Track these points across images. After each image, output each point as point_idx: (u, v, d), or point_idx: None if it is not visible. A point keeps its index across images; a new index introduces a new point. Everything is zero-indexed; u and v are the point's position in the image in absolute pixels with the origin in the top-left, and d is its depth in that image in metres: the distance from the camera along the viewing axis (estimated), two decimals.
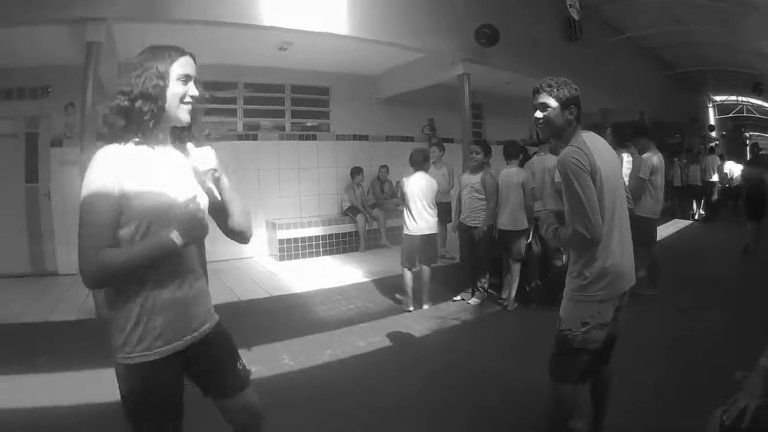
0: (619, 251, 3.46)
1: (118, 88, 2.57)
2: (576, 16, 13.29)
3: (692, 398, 4.45)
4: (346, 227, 13.01)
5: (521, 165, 8.32)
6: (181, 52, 2.62)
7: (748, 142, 43.34)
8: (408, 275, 8.06)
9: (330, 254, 12.59)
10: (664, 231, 8.74)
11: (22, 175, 11.06)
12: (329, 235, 12.71)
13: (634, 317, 7.12)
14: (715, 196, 19.52)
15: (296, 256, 12.12)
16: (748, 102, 31.06)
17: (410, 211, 7.98)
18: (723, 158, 21.04)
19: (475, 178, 8.22)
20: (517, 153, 8.34)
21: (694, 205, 19.18)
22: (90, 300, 7.97)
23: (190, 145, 2.66)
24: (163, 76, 2.51)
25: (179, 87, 2.56)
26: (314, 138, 13.83)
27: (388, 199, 13.05)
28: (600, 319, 3.44)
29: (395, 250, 8.90)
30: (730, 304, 8.11)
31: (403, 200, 8.10)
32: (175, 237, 2.38)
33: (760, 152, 16.57)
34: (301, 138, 13.65)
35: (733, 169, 20.02)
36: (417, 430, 4.57)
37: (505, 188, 8.10)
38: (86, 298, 8.27)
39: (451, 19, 11.11)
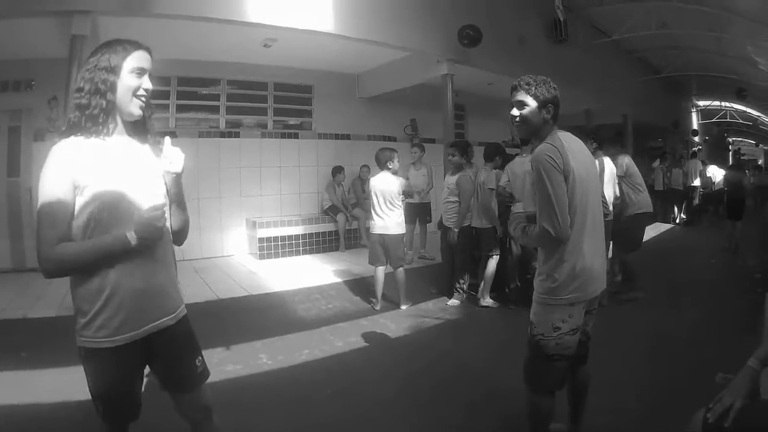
0: (590, 254, 3.46)
1: (76, 85, 2.64)
2: (561, 17, 13.35)
3: (672, 400, 4.51)
4: (327, 226, 13.01)
5: (502, 167, 8.36)
6: (137, 46, 2.66)
7: (730, 147, 43.72)
8: (377, 274, 8.18)
9: (310, 253, 12.59)
10: (645, 234, 8.77)
11: (3, 170, 10.98)
12: (309, 234, 12.70)
13: (615, 320, 7.24)
14: (696, 201, 19.63)
15: (276, 255, 12.11)
16: (732, 107, 31.31)
17: (373, 210, 8.14)
18: (705, 163, 21.17)
19: (453, 180, 8.34)
20: (492, 155, 8.43)
21: (676, 209, 19.32)
22: (69, 297, 7.86)
23: (167, 141, 2.74)
24: (115, 70, 2.56)
25: (132, 80, 2.60)
26: (296, 136, 13.83)
27: (368, 198, 13.08)
28: (572, 324, 3.46)
29: None
30: (710, 306, 8.18)
31: (369, 199, 8.18)
32: (131, 237, 2.45)
33: (743, 157, 16.81)
34: (283, 136, 13.64)
35: (716, 173, 20.15)
36: (396, 430, 4.60)
37: (479, 188, 8.24)
38: (66, 295, 8.23)
39: (435, 18, 11.19)
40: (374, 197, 8.06)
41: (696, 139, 31.40)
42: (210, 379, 5.14)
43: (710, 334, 6.74)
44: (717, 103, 30.99)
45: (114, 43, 2.64)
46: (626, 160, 8.64)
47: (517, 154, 8.84)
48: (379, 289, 8.17)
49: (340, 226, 12.90)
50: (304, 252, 12.55)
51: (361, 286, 9.38)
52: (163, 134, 2.91)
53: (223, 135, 12.81)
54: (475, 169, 9.29)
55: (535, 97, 3.50)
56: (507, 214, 7.82)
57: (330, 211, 13.04)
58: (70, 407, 4.59)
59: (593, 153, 8.21)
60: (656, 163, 19.60)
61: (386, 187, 7.98)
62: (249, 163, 13.03)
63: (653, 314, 7.70)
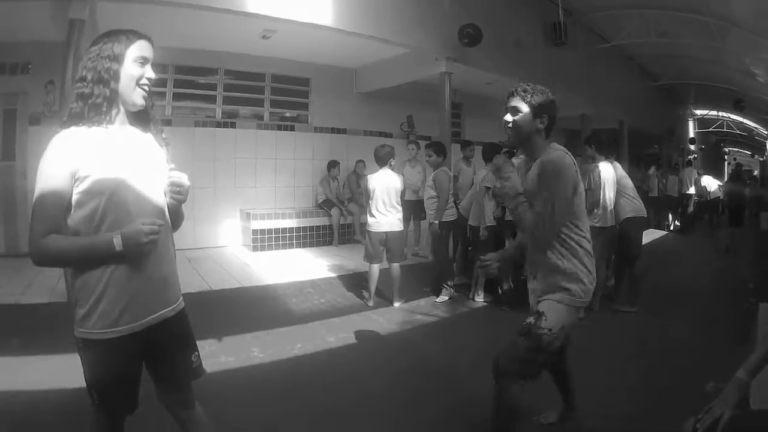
0: (590, 260, 3.56)
1: (78, 74, 2.63)
2: (562, 20, 13.39)
3: (663, 408, 4.53)
4: (321, 220, 13.02)
5: None
6: (139, 36, 2.66)
7: (726, 157, 43.82)
8: (373, 271, 8.14)
9: (303, 247, 12.59)
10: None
11: None
12: (303, 227, 12.70)
13: (606, 326, 7.27)
14: (691, 208, 19.70)
15: (270, 247, 12.12)
16: (729, 118, 31.41)
17: (374, 208, 8.04)
18: (700, 173, 21.24)
19: (431, 176, 8.47)
20: (491, 155, 8.37)
21: (670, 216, 19.40)
22: (61, 283, 7.92)
23: (172, 169, 2.75)
24: (118, 59, 2.56)
25: (136, 69, 2.60)
26: (292, 129, 13.81)
27: (363, 194, 13.05)
28: (568, 326, 3.56)
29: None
30: (703, 315, 8.22)
31: (367, 197, 8.18)
32: (117, 243, 2.42)
33: (743, 169, 17.20)
34: (279, 128, 13.62)
35: (710, 183, 20.23)
36: (384, 426, 4.60)
37: (476, 187, 8.32)
38: (58, 281, 8.23)
39: (435, 16, 11.21)
40: (376, 195, 7.98)
41: (692, 147, 31.49)
42: None
43: (702, 342, 6.75)
44: (714, 112, 31.08)
45: (116, 32, 2.64)
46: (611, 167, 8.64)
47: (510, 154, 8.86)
48: (373, 286, 8.16)
49: (334, 220, 12.89)
50: (298, 245, 12.54)
51: (354, 281, 9.37)
52: (163, 123, 2.90)
53: (219, 125, 12.80)
54: (473, 167, 9.32)
55: (530, 105, 3.49)
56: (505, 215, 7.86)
57: (324, 205, 13.03)
58: (63, 394, 4.58)
59: (592, 158, 8.28)
60: (652, 170, 19.67)
61: (391, 184, 7.99)
62: (244, 154, 13.03)
63: (645, 321, 7.71)
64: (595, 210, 7.80)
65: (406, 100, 14.74)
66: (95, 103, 2.53)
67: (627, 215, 8.21)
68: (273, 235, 12.18)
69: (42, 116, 10.66)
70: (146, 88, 2.66)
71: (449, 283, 8.57)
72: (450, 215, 8.70)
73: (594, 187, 7.80)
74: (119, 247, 2.41)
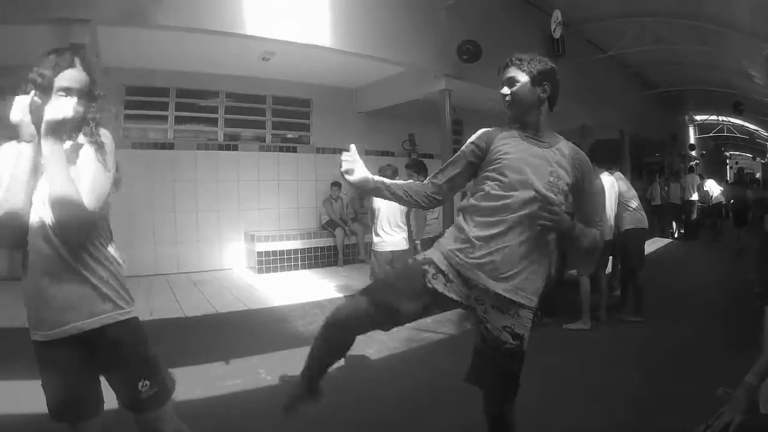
0: None
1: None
2: (557, 35, 13.36)
3: (673, 415, 4.52)
4: (325, 241, 13.04)
5: None
6: (69, 63, 2.75)
7: (728, 161, 43.81)
8: None
9: (308, 268, 12.59)
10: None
11: None
12: (308, 248, 12.72)
13: (614, 334, 7.24)
14: (694, 215, 19.68)
15: (275, 269, 12.13)
16: (729, 121, 31.40)
17: (379, 228, 8.00)
18: (702, 177, 21.23)
19: None
20: None
21: (674, 223, 19.39)
22: None
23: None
24: (45, 90, 2.68)
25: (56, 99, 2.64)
26: (294, 150, 13.87)
27: (367, 213, 13.00)
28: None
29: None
30: (710, 320, 8.26)
31: (372, 216, 8.13)
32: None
33: (746, 172, 17.41)
34: (281, 150, 13.68)
35: (713, 188, 20.21)
36: None
37: None
38: None
39: (434, 33, 11.19)
40: (381, 214, 7.94)
41: (693, 153, 31.45)
42: (209, 394, 5.16)
43: (710, 348, 6.76)
44: (714, 117, 31.05)
45: (51, 56, 2.74)
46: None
47: None
48: None
49: (338, 241, 12.88)
50: (303, 266, 12.53)
51: None
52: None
53: (221, 148, 12.86)
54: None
55: (529, 73, 3.18)
56: None
57: (328, 226, 13.04)
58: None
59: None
60: (656, 179, 19.70)
61: (394, 203, 7.93)
62: (247, 176, 13.06)
63: (652, 328, 7.73)
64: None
65: (407, 119, 14.77)
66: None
67: (627, 227, 8.22)
68: (278, 257, 12.18)
69: None
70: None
71: None
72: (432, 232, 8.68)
73: None
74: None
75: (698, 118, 31.93)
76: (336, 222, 13.03)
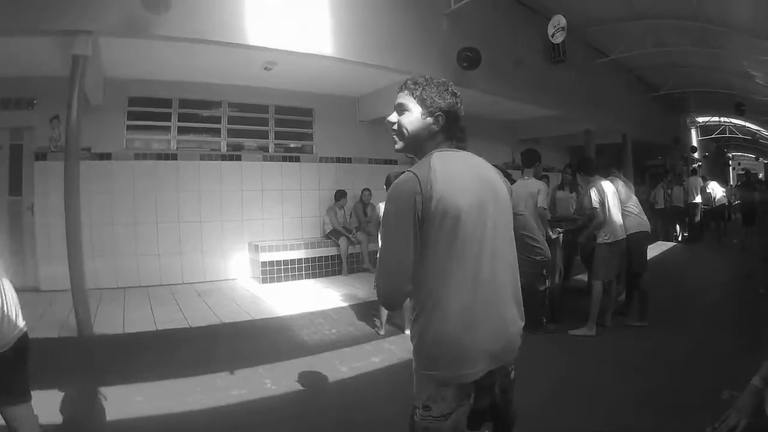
0: (468, 318, 2.54)
1: None
2: (558, 41, 13.30)
3: (678, 418, 4.51)
4: (329, 250, 13.03)
5: None
6: None
7: (730, 162, 43.83)
8: None
9: (313, 277, 12.57)
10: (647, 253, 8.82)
11: (5, 188, 11.06)
12: (312, 258, 12.70)
13: (618, 338, 7.22)
14: (698, 218, 19.64)
15: (279, 279, 12.13)
16: (731, 122, 31.40)
17: None
18: (705, 179, 21.20)
19: None
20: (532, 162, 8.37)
21: (678, 227, 19.35)
22: (72, 318, 7.94)
23: None
24: None
25: None
26: (297, 160, 13.82)
27: (371, 222, 13.00)
28: (441, 409, 2.60)
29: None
30: (715, 323, 8.25)
31: (378, 225, 8.04)
32: None
33: (752, 173, 17.80)
34: (284, 159, 13.65)
35: (716, 190, 20.19)
36: None
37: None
38: (68, 316, 8.26)
39: (434, 41, 11.22)
40: None
41: (696, 155, 31.44)
42: (215, 404, 5.16)
43: (716, 350, 6.75)
44: (716, 118, 31.07)
45: None
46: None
47: (519, 178, 8.78)
48: (385, 314, 8.11)
49: (342, 250, 12.85)
50: (307, 276, 12.50)
51: (364, 310, 9.33)
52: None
53: (224, 158, 12.84)
54: None
55: (421, 101, 2.75)
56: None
57: (332, 235, 13.01)
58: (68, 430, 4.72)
59: (570, 183, 8.28)
60: (660, 183, 19.69)
61: None
62: (251, 186, 13.04)
63: (658, 332, 7.73)
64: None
65: None
66: None
67: (629, 231, 8.20)
68: (282, 267, 12.15)
69: (48, 151, 10.78)
70: None
71: None
72: None
73: (595, 206, 7.78)
74: None
75: (700, 120, 31.93)
76: (340, 231, 13.04)
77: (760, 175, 36.75)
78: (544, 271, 7.76)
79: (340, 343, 7.76)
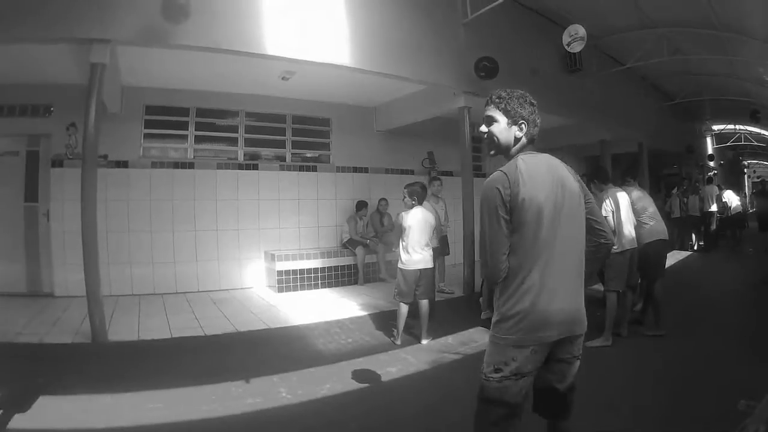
0: (550, 292, 3.06)
1: None
2: (576, 50, 13.17)
3: (695, 428, 4.44)
4: (346, 260, 12.97)
5: None
6: None
7: (746, 170, 43.56)
8: (402, 309, 8.00)
9: (329, 287, 12.52)
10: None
11: (21, 194, 11.21)
12: (328, 267, 12.66)
13: (635, 348, 7.15)
14: (713, 226, 19.49)
15: (295, 288, 12.10)
16: (746, 130, 31.23)
17: (409, 246, 7.89)
18: (721, 188, 21.06)
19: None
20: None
21: (693, 236, 19.23)
22: (86, 324, 7.97)
23: None
24: None
25: None
26: (314, 169, 13.81)
27: (388, 232, 12.91)
28: (514, 368, 3.07)
29: (393, 284, 8.79)
30: (731, 333, 8.20)
31: (399, 234, 8.07)
32: None
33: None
34: (301, 169, 13.65)
35: (732, 198, 20.05)
36: None
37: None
38: (83, 322, 8.29)
39: (451, 51, 11.22)
40: (412, 233, 7.88)
41: (711, 164, 31.25)
42: (230, 413, 5.14)
43: (732, 360, 6.68)
44: (731, 126, 30.89)
45: None
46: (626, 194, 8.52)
47: None
48: (402, 324, 8.04)
49: (359, 259, 12.78)
50: (323, 285, 12.44)
51: (381, 320, 9.27)
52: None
53: (241, 167, 12.88)
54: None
55: (506, 113, 3.28)
56: None
57: (349, 245, 12.95)
58: None
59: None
60: (674, 190, 19.57)
61: (427, 221, 8.00)
62: (267, 195, 13.06)
63: (674, 342, 7.68)
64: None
65: (426, 136, 14.78)
66: None
67: (646, 240, 8.14)
68: (298, 276, 12.11)
69: (64, 158, 10.94)
70: None
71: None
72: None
73: (605, 215, 7.69)
74: None
75: (715, 127, 31.72)
76: (357, 240, 13.04)
77: None
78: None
79: (356, 352, 7.68)
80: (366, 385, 6.40)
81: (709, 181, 21.51)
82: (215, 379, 6.30)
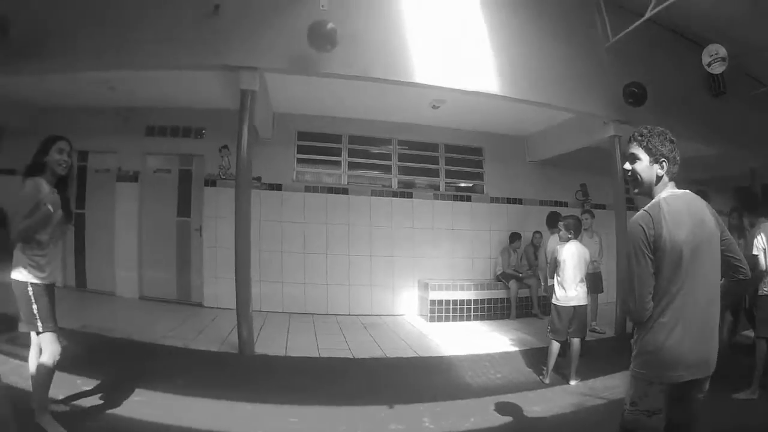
0: (679, 331, 3.12)
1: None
2: (717, 71, 12.33)
3: None
4: (498, 293, 12.68)
5: None
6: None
7: None
8: (554, 347, 7.74)
9: (480, 319, 12.30)
10: None
11: (174, 209, 12.15)
12: (481, 299, 12.46)
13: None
14: None
15: (446, 318, 12.02)
16: None
17: (565, 281, 7.64)
18: None
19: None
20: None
21: None
22: (234, 335, 8.36)
23: None
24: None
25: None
26: (468, 199, 13.76)
27: (538, 266, 12.63)
28: (647, 404, 3.19)
29: (546, 321, 8.53)
30: None
31: (554, 269, 7.85)
32: None
33: None
34: (455, 198, 13.62)
35: None
36: None
37: None
38: (230, 333, 8.59)
39: (598, 77, 10.90)
40: (567, 268, 7.61)
41: None
42: None
43: None
44: None
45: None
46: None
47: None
48: (552, 362, 7.76)
49: (512, 293, 12.52)
50: (475, 318, 12.32)
51: (530, 356, 8.96)
52: None
53: (395, 194, 13.05)
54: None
55: (647, 151, 3.36)
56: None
57: (502, 278, 12.75)
58: None
59: (737, 228, 7.61)
60: None
61: (582, 256, 7.73)
62: (422, 223, 13.14)
63: None
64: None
65: (578, 167, 14.33)
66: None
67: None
68: (450, 306, 12.07)
69: (217, 178, 11.74)
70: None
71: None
72: None
73: (755, 252, 7.06)
74: None
75: None
76: (511, 274, 12.80)
77: None
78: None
79: (503, 388, 7.40)
80: (509, 420, 6.21)
81: None
82: (358, 402, 6.39)
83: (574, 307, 7.64)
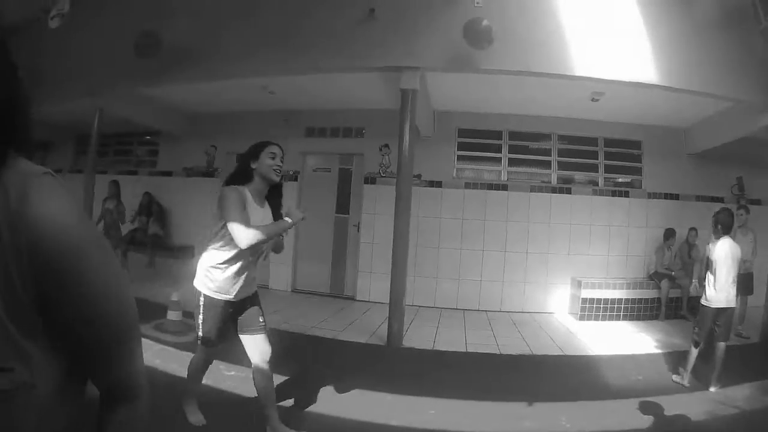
0: None
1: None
2: None
3: None
4: (649, 292, 12.51)
5: None
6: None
7: None
8: (696, 349, 7.57)
9: (629, 319, 12.23)
10: None
11: (333, 206, 12.96)
12: (632, 299, 12.37)
13: None
14: None
15: (596, 317, 12.09)
16: None
17: (717, 281, 7.36)
18: None
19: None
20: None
21: None
22: (383, 328, 8.92)
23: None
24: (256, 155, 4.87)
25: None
26: (626, 195, 13.68)
27: (692, 264, 12.40)
28: None
29: (693, 322, 8.28)
30: None
31: (706, 268, 7.64)
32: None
33: None
34: (613, 194, 13.50)
35: None
36: None
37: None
38: (380, 326, 9.02)
39: (754, 61, 10.09)
40: (721, 267, 7.35)
41: None
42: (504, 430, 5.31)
43: None
44: None
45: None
46: None
47: None
48: (691, 365, 7.58)
49: (663, 293, 12.38)
50: (624, 317, 12.28)
51: (675, 360, 8.60)
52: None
53: (554, 190, 13.14)
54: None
55: None
56: None
57: (654, 277, 12.72)
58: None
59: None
60: None
61: (736, 255, 7.48)
62: (579, 220, 13.09)
63: None
64: None
65: (735, 159, 13.53)
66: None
67: None
68: (601, 305, 12.21)
69: (377, 176, 12.41)
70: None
71: None
72: None
73: None
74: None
75: None
76: (663, 273, 12.53)
77: None
78: None
79: (644, 391, 7.19)
80: (644, 426, 6.17)
81: None
82: (497, 397, 6.53)
83: (722, 308, 7.42)
